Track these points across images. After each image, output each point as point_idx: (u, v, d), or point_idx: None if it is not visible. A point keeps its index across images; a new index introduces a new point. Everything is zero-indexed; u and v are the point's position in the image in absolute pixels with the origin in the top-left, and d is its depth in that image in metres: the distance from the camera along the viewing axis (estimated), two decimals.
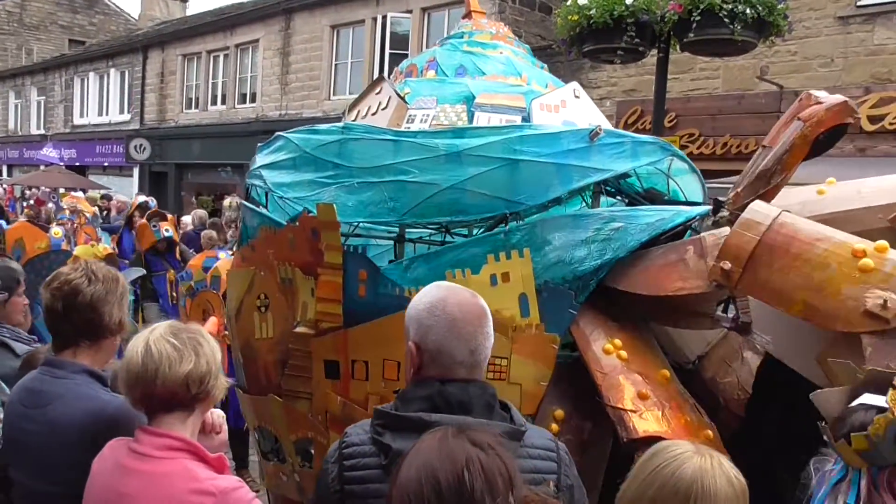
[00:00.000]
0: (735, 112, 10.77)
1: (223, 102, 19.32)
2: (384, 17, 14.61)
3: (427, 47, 13.66)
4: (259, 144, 3.67)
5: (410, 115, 3.44)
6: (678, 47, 7.73)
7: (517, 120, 3.33)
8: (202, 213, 10.30)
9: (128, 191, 20.20)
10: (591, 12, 7.30)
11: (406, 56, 13.64)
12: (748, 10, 6.92)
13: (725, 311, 2.85)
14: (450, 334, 1.62)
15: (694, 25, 6.96)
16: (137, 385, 1.80)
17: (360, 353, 2.96)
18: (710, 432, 2.58)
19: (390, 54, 14.24)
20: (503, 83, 3.62)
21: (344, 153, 3.02)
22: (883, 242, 2.39)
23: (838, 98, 2.76)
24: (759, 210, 2.62)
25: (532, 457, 1.58)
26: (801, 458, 2.29)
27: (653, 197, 3.34)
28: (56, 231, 5.75)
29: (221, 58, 19.59)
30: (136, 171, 22.54)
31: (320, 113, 15.29)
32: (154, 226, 7.02)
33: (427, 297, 1.68)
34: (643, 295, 2.80)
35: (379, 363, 2.93)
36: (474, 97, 3.42)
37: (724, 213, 3.00)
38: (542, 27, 11.37)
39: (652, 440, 2.49)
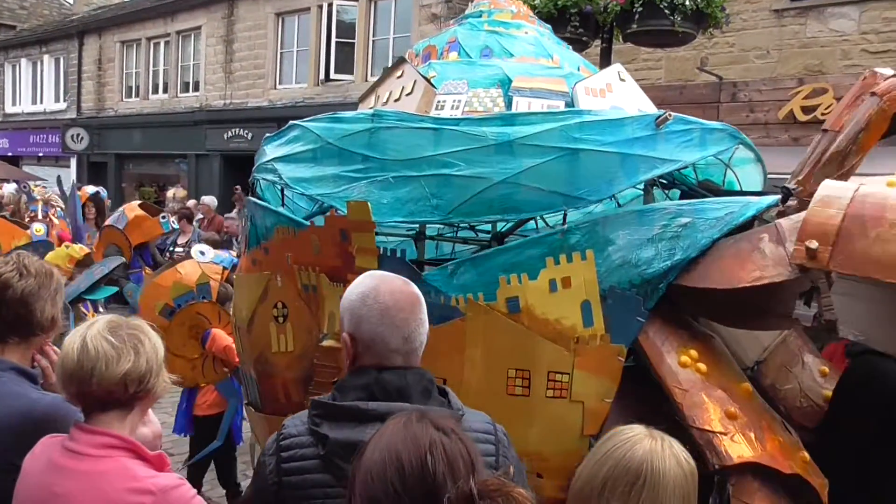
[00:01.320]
0: (677, 102, 10.81)
1: (165, 91, 18.72)
2: (330, 5, 14.15)
3: (374, 36, 13.33)
4: (267, 135, 3.28)
5: (439, 101, 3.10)
6: (621, 38, 7.84)
7: (560, 105, 3.01)
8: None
9: (65, 182, 19.35)
10: (535, 2, 7.25)
11: (353, 45, 13.25)
12: (687, 2, 7.06)
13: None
14: (383, 323, 1.62)
15: (636, 16, 7.09)
16: (72, 383, 1.74)
17: None
18: (805, 454, 2.29)
19: (337, 43, 13.82)
20: (536, 65, 3.27)
21: (375, 144, 2.66)
22: None
23: None
24: (834, 185, 2.37)
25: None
26: None
27: (707, 189, 3.03)
28: (38, 228, 5.25)
29: (162, 45, 18.95)
30: (73, 162, 21.62)
31: (266, 102, 14.86)
32: (163, 216, 6.54)
33: (359, 287, 1.69)
34: (713, 291, 2.50)
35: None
36: (510, 80, 3.08)
37: (792, 202, 2.70)
38: None
39: (747, 467, 2.20)
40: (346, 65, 13.71)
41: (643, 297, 2.55)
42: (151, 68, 19.32)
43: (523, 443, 2.59)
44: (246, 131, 15.44)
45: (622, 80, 3.15)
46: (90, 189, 7.24)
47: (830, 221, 2.26)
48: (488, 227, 3.84)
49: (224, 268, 4.35)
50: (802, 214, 2.46)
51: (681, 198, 3.11)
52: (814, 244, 2.25)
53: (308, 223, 2.83)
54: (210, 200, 9.28)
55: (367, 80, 13.30)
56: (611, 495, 1.52)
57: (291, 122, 3.08)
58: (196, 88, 17.63)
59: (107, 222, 6.96)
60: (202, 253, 4.40)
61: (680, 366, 2.48)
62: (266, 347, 3.00)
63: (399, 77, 3.29)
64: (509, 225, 3.80)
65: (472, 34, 3.52)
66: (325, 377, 2.77)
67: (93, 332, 1.75)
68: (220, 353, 4.26)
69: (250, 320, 3.05)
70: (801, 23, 9.39)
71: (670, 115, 2.56)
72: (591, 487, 1.55)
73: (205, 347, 4.31)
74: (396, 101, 3.22)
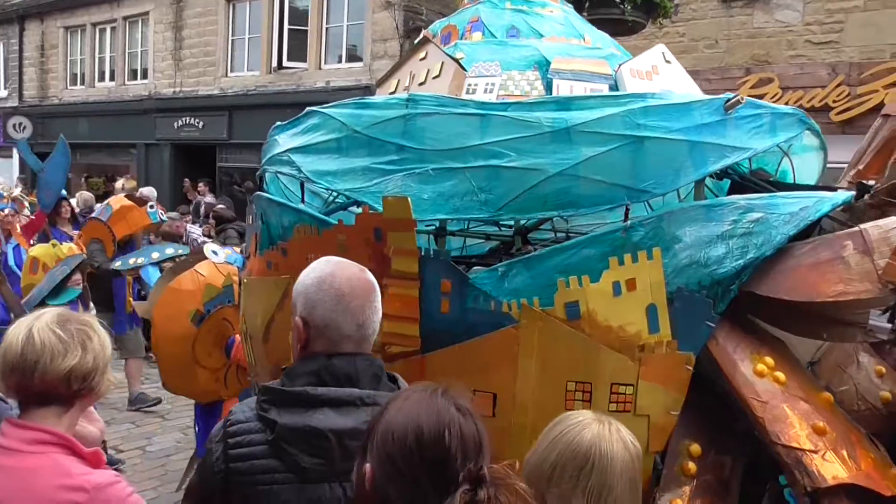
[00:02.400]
0: None
1: (112, 79, 18.07)
2: None
3: (328, 23, 12.99)
4: (278, 123, 2.99)
5: (470, 85, 2.84)
6: None
7: (604, 89, 2.78)
8: (88, 195, 9.18)
9: (7, 173, 18.55)
10: None
11: (306, 32, 12.86)
12: None
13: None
14: (337, 308, 1.62)
15: (587, 4, 7.00)
16: (13, 374, 1.68)
17: (443, 382, 2.33)
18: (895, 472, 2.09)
19: (289, 30, 13.43)
20: (572, 45, 3.02)
21: (412, 132, 2.40)
22: None
23: None
24: None
25: None
26: None
27: (760, 179, 2.81)
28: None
29: (108, 31, 18.27)
30: (15, 152, 20.72)
31: (217, 90, 14.43)
32: (151, 206, 6.11)
33: (315, 272, 1.67)
34: (787, 301, 2.26)
35: (468, 396, 2.32)
36: (548, 62, 2.84)
37: (865, 197, 2.50)
38: (443, 4, 10.93)
39: (842, 488, 1.99)
40: (299, 52, 13.33)
41: (713, 299, 2.32)
42: (97, 55, 18.60)
43: None
44: (197, 120, 14.96)
45: (667, 61, 2.92)
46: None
47: None
48: (510, 222, 3.58)
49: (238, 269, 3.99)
50: (891, 221, 2.25)
51: (731, 189, 2.89)
52: None
53: (335, 221, 2.55)
54: (149, 192, 8.77)
55: (320, 68, 12.95)
56: (559, 479, 1.55)
57: (309, 108, 2.80)
58: (144, 76, 17.06)
59: (92, 215, 6.54)
60: (215, 252, 4.05)
61: (756, 375, 2.27)
62: (285, 358, 2.71)
63: (423, 59, 3.02)
64: (533, 220, 3.55)
65: (495, 13, 3.26)
66: None
67: (41, 323, 1.70)
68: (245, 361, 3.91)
69: (266, 328, 2.77)
70: (748, 14, 9.50)
71: (742, 98, 2.33)
72: (541, 472, 1.57)
73: (229, 356, 3.95)
74: (422, 84, 2.95)
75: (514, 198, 2.30)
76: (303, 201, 2.88)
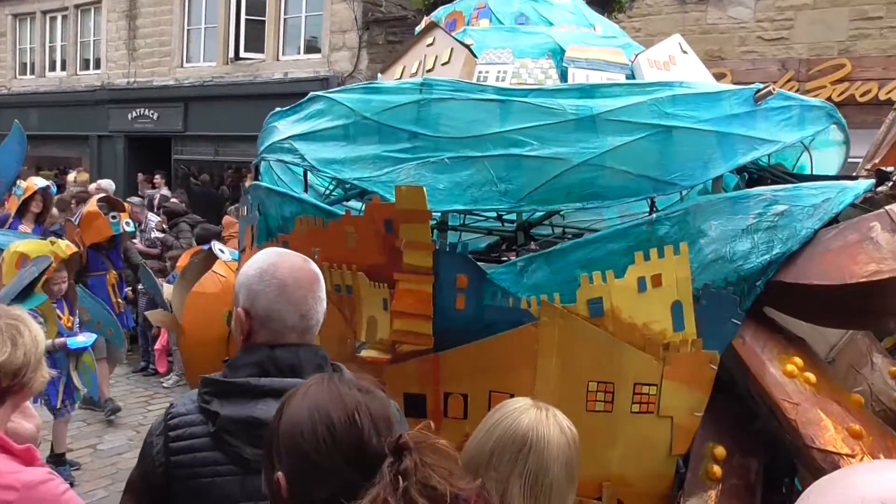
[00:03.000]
0: None
1: (63, 68, 17.58)
2: None
3: (286, 13, 12.81)
4: (278, 109, 2.84)
5: (480, 72, 2.72)
6: None
7: (621, 79, 2.67)
8: (106, 182, 8.92)
9: None
10: None
11: (263, 23, 12.67)
12: None
13: None
14: (280, 299, 1.61)
15: None
16: None
17: (458, 383, 2.25)
18: None
19: (247, 20, 13.19)
20: (585, 34, 2.92)
21: (426, 119, 2.28)
22: None
23: None
24: None
25: None
26: None
27: (779, 173, 2.74)
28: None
29: (59, 19, 17.78)
30: None
31: (172, 81, 14.12)
32: (113, 217, 5.80)
33: (257, 262, 1.66)
34: (817, 288, 2.18)
35: (483, 396, 2.23)
36: (562, 50, 2.74)
37: (884, 186, 2.43)
38: None
39: None
40: (256, 43, 13.08)
41: (739, 296, 2.23)
42: (48, 44, 18.08)
43: (605, 465, 2.27)
44: (151, 111, 14.58)
45: (684, 51, 2.83)
46: (39, 182, 6.38)
47: None
48: (513, 216, 3.48)
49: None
50: None
51: (748, 183, 2.81)
52: None
53: (342, 212, 2.41)
54: (107, 184, 8.49)
55: (278, 59, 12.72)
56: (498, 463, 1.58)
57: (313, 93, 2.66)
58: (97, 66, 16.60)
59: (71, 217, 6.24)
60: (222, 251, 3.89)
61: (786, 376, 2.20)
62: None
63: (430, 45, 2.90)
64: (539, 214, 3.45)
65: (503, 0, 3.13)
66: None
67: None
68: None
69: None
70: (702, 10, 9.64)
71: (774, 88, 2.24)
72: (480, 458, 1.60)
73: None
74: (429, 71, 2.83)
75: (535, 188, 2.20)
76: (305, 191, 2.74)
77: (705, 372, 2.26)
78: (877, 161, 2.67)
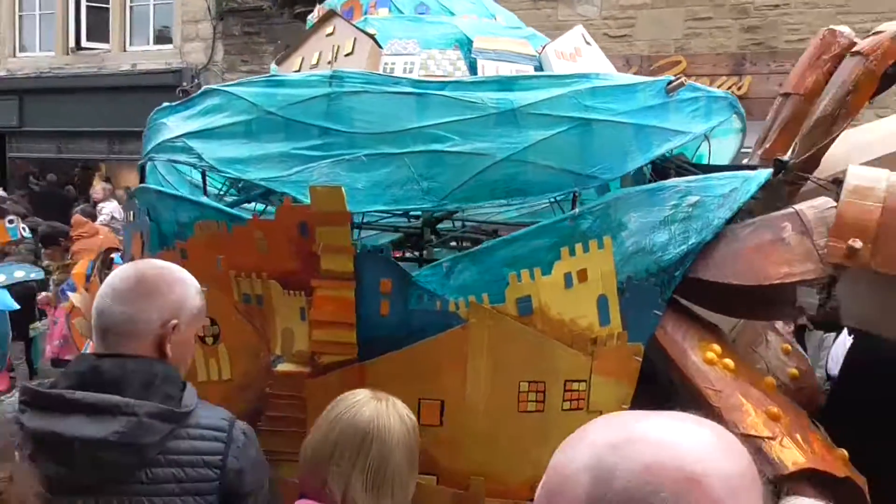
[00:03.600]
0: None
1: None
2: None
3: (132, 1, 12.10)
4: (165, 104, 2.60)
5: (386, 64, 2.60)
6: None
7: (529, 70, 2.63)
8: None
9: None
10: None
11: (107, 10, 12.03)
12: None
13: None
14: (113, 306, 1.58)
15: None
16: None
17: (386, 393, 2.11)
18: (843, 452, 2.13)
19: (88, 7, 12.41)
20: (490, 24, 2.87)
21: (338, 113, 2.14)
22: None
23: None
24: (863, 173, 2.22)
25: (192, 437, 1.56)
26: None
27: (681, 164, 2.81)
28: None
29: None
30: None
31: (4, 72, 13.05)
32: (10, 221, 5.25)
33: (116, 272, 1.69)
34: (734, 286, 2.26)
35: (413, 404, 2.12)
36: (469, 40, 2.67)
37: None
38: None
39: (803, 473, 1.99)
40: (100, 32, 12.25)
41: (660, 287, 2.26)
42: None
43: (537, 466, 2.21)
44: None
45: (588, 42, 2.84)
46: None
47: (868, 216, 2.11)
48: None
49: None
50: (824, 202, 2.29)
51: (653, 175, 2.87)
52: (858, 243, 2.08)
53: (249, 216, 2.23)
54: None
55: (125, 50, 12.02)
56: (340, 457, 1.61)
57: (206, 87, 2.45)
58: None
59: None
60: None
61: (707, 363, 2.24)
62: (191, 376, 2.36)
63: (330, 35, 2.74)
64: (443, 211, 3.38)
65: None
66: (282, 410, 2.22)
67: None
68: None
69: None
70: (553, 6, 10.00)
71: (685, 80, 2.27)
72: (323, 452, 1.62)
73: None
74: (331, 63, 2.68)
75: (459, 185, 2.11)
76: (205, 193, 2.51)
77: (631, 364, 2.27)
78: (767, 146, 2.79)
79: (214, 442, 1.59)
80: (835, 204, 2.27)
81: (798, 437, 2.11)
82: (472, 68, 2.63)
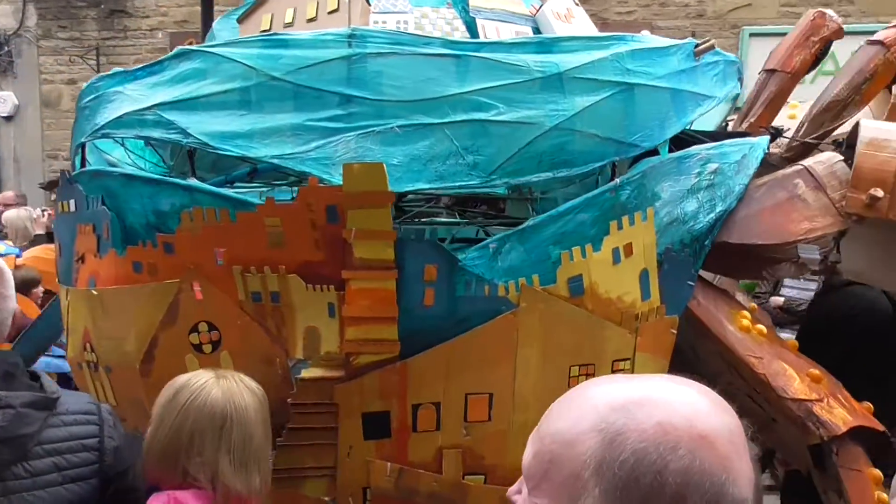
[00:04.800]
0: None
1: None
2: None
3: None
4: (115, 70, 2.19)
5: (377, 23, 2.35)
6: None
7: (528, 31, 2.48)
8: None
9: None
10: None
11: None
12: None
13: None
14: None
15: None
16: None
17: (429, 391, 1.94)
18: (869, 405, 2.21)
19: None
20: None
21: (362, 78, 1.87)
22: None
23: None
24: (876, 126, 2.29)
25: (67, 423, 1.56)
26: None
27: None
28: None
29: None
30: None
31: None
32: None
33: None
34: (754, 246, 2.27)
35: (459, 401, 1.96)
36: None
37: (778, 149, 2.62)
38: None
39: (849, 432, 2.04)
40: None
41: (693, 257, 2.21)
42: None
43: None
44: None
45: (577, 3, 2.70)
46: None
47: (885, 167, 2.16)
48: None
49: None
50: (830, 156, 2.33)
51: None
52: (879, 192, 2.12)
53: (257, 201, 1.92)
54: None
55: None
56: (202, 445, 1.57)
57: (181, 48, 2.06)
58: None
59: None
60: None
61: (743, 331, 2.22)
62: None
63: None
64: None
65: None
66: (308, 421, 1.95)
67: None
68: None
69: (147, 356, 2.02)
70: None
71: (713, 42, 2.20)
72: (178, 444, 1.59)
73: None
74: (312, 20, 2.36)
75: (507, 158, 1.90)
76: (192, 174, 2.13)
77: (668, 338, 2.20)
78: (752, 120, 2.82)
79: (88, 425, 1.58)
80: (841, 158, 2.31)
81: (840, 396, 2.14)
82: (470, 28, 2.41)
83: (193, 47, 2.03)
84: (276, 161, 1.88)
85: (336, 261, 1.87)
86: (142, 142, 2.75)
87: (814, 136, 2.53)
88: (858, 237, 2.50)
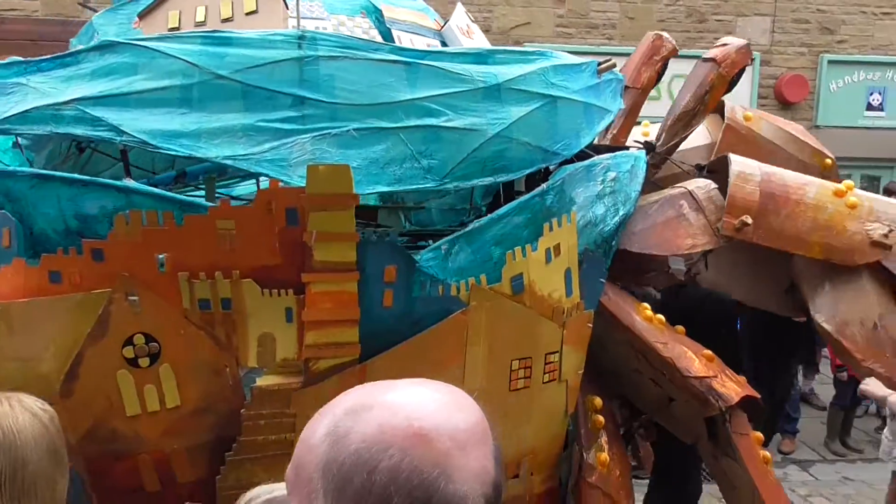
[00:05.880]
0: (59, 39, 10.33)
1: None
2: None
3: None
4: (13, 59, 2.00)
5: (294, 27, 2.36)
6: None
7: (437, 44, 2.62)
8: None
9: None
10: None
11: None
12: None
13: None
14: None
15: None
16: None
17: None
18: (743, 377, 2.58)
19: None
20: None
21: (314, 80, 1.88)
22: (848, 181, 2.73)
23: (742, 41, 2.97)
24: (743, 161, 2.69)
25: None
26: None
27: None
28: None
29: None
30: None
31: None
32: None
33: None
34: (649, 256, 2.58)
35: None
36: (376, 8, 2.53)
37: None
38: None
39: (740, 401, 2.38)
40: None
41: (604, 257, 2.45)
42: None
43: (523, 442, 2.26)
44: None
45: (472, 20, 2.88)
46: None
47: (750, 198, 2.53)
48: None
49: None
50: (706, 183, 2.68)
51: None
52: (749, 219, 2.49)
53: (206, 204, 1.83)
54: None
55: None
56: None
57: (104, 40, 1.92)
58: None
59: None
60: None
61: (647, 321, 2.48)
62: (112, 412, 1.87)
63: None
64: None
65: None
66: (263, 432, 1.90)
67: None
68: None
69: (69, 375, 1.85)
70: None
71: (614, 62, 2.46)
72: None
73: None
74: (228, 21, 2.30)
75: (458, 162, 1.97)
76: (127, 175, 1.96)
77: (586, 331, 2.39)
78: (614, 132, 3.16)
79: None
80: (716, 186, 2.68)
81: (727, 372, 2.47)
82: (386, 38, 2.46)
83: (121, 40, 1.89)
84: (228, 162, 1.81)
85: (294, 264, 1.84)
86: (6, 142, 2.49)
87: (671, 143, 2.89)
88: (720, 254, 2.87)
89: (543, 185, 2.22)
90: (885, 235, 2.52)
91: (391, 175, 1.88)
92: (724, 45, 2.92)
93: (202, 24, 2.30)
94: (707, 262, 2.77)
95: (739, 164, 2.60)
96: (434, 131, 1.94)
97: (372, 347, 1.91)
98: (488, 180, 2.04)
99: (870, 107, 11.93)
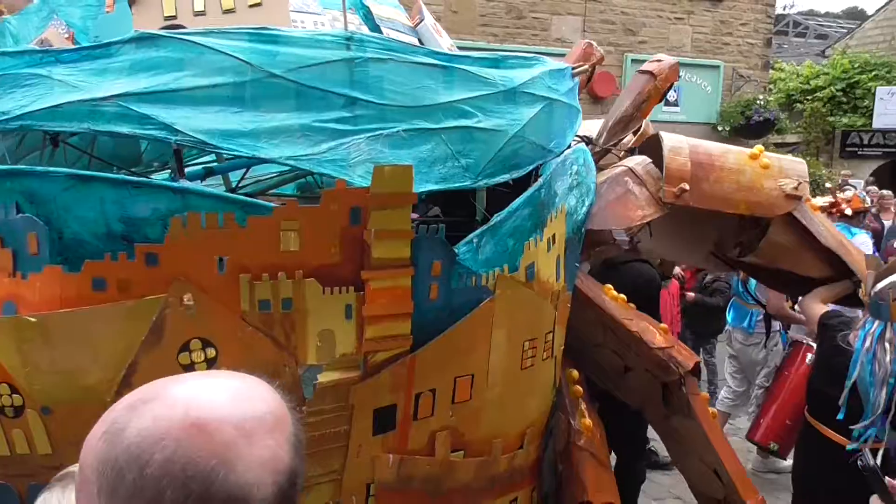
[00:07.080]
0: None
1: None
2: None
3: None
4: (31, 47, 1.87)
5: (294, 21, 2.39)
6: None
7: (415, 41, 2.74)
8: None
9: None
10: None
11: None
12: None
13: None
14: None
15: None
16: None
17: (429, 380, 2.11)
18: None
19: None
20: None
21: (365, 82, 1.93)
22: (759, 146, 3.21)
23: (673, 59, 3.34)
24: (672, 136, 3.07)
25: None
26: None
27: None
28: None
29: None
30: None
31: None
32: None
33: None
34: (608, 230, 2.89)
35: (449, 385, 2.17)
36: (363, 5, 2.59)
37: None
38: None
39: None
40: None
41: (579, 243, 2.71)
42: None
43: (528, 415, 2.47)
44: None
45: (436, 20, 3.00)
46: None
47: (684, 168, 2.91)
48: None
49: None
50: (643, 159, 3.03)
51: None
52: (686, 186, 2.87)
53: (269, 205, 1.83)
54: None
55: None
56: None
57: (141, 32, 1.82)
58: None
59: None
60: None
61: (613, 300, 2.78)
62: None
63: None
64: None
65: None
66: (321, 427, 1.95)
67: None
68: None
69: (123, 384, 1.77)
70: None
71: (587, 67, 2.69)
72: None
73: None
74: (229, 12, 2.25)
75: (488, 161, 2.11)
76: (180, 175, 1.84)
77: (567, 311, 2.64)
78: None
79: None
80: (650, 160, 3.03)
81: (678, 342, 2.85)
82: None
83: (162, 34, 1.81)
84: (291, 162, 1.82)
85: (353, 262, 1.88)
86: None
87: (611, 142, 3.22)
88: (659, 224, 3.24)
89: (540, 180, 2.40)
90: (795, 188, 2.98)
91: (437, 174, 1.98)
92: (659, 60, 3.26)
93: (202, 13, 2.23)
94: (651, 231, 3.11)
95: (670, 139, 2.95)
96: (468, 132, 2.06)
97: (419, 338, 2.00)
98: (506, 177, 2.19)
99: (667, 103, 13.43)
